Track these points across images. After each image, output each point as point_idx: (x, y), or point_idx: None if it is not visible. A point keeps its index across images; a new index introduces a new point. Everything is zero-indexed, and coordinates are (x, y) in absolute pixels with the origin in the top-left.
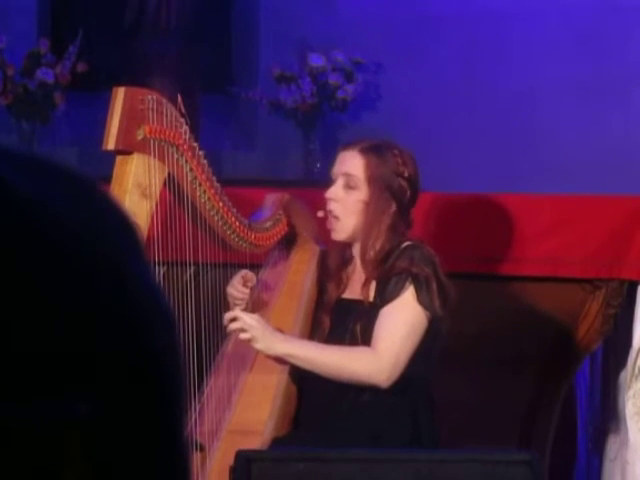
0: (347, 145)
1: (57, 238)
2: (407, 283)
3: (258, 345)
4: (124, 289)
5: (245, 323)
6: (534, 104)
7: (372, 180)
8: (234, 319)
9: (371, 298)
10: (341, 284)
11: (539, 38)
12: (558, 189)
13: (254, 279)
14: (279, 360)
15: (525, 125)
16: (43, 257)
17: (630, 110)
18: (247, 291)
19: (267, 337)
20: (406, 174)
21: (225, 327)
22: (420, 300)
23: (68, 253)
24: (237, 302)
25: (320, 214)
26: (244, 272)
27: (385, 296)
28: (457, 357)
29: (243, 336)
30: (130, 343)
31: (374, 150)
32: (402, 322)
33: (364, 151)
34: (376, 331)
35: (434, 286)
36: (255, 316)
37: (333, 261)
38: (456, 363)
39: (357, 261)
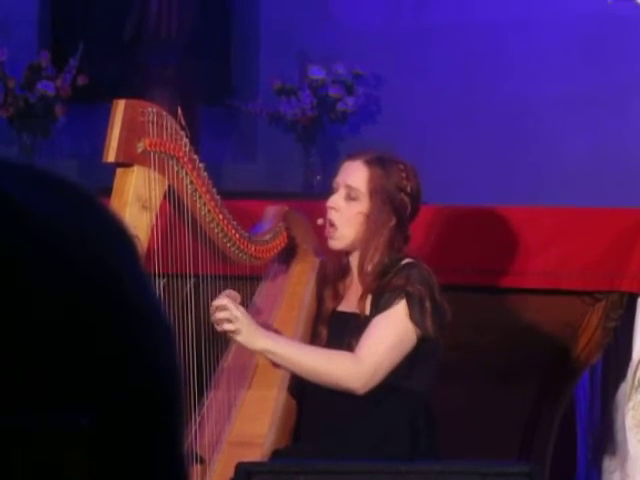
0: (352, 155)
1: (57, 250)
2: (399, 299)
3: (240, 338)
4: (123, 301)
5: (232, 314)
6: (534, 116)
7: (374, 193)
8: (222, 309)
9: (367, 312)
10: (338, 296)
11: (538, 49)
12: (558, 201)
13: (238, 297)
14: (279, 373)
15: (525, 137)
16: (43, 269)
17: (630, 121)
18: None
19: (250, 331)
20: (409, 189)
21: (223, 335)
22: (412, 317)
23: (68, 265)
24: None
25: (320, 222)
26: (227, 291)
27: (378, 309)
28: (457, 369)
29: (227, 327)
30: (129, 354)
31: (379, 163)
32: (388, 333)
33: (369, 163)
34: (362, 339)
35: (428, 305)
36: (242, 309)
37: (330, 271)
38: (456, 375)
39: (354, 273)
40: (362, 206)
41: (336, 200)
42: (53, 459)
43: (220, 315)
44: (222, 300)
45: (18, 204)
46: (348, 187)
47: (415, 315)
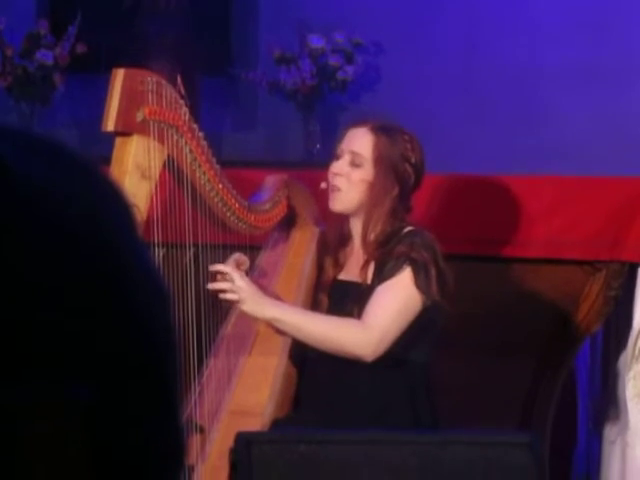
0: (358, 122)
1: (56, 218)
2: (405, 265)
3: (245, 307)
4: (119, 269)
5: (235, 284)
6: (537, 85)
7: (379, 160)
8: (225, 278)
9: (369, 280)
10: (338, 264)
11: (542, 17)
12: (561, 170)
13: (247, 262)
14: (279, 341)
15: (528, 105)
16: (42, 237)
17: (633, 90)
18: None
19: (255, 300)
20: (413, 160)
21: (224, 305)
22: (417, 283)
23: (67, 233)
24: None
25: (323, 185)
26: (237, 255)
27: (382, 277)
28: (457, 339)
29: (231, 297)
30: (126, 323)
31: (385, 131)
32: (395, 300)
33: (375, 131)
34: (368, 306)
35: (432, 272)
36: (245, 278)
37: (331, 240)
38: (456, 345)
39: (355, 242)
40: (366, 173)
41: (341, 165)
42: (53, 430)
43: (222, 285)
44: (226, 267)
45: (13, 170)
46: (353, 153)
47: (420, 282)
